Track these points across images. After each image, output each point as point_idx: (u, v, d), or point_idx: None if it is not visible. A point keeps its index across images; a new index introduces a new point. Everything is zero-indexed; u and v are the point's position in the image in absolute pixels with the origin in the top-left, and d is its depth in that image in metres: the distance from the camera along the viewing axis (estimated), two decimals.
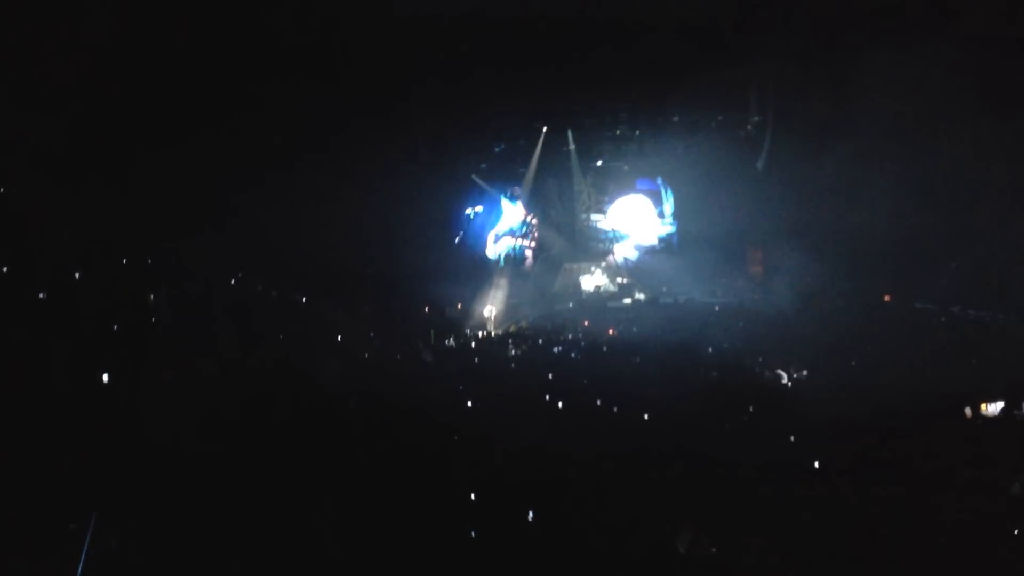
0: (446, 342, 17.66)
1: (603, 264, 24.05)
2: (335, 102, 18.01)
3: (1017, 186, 16.57)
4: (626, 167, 24.11)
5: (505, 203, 23.98)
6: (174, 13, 15.55)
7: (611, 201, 24.40)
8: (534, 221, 24.06)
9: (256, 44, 16.47)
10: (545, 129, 23.05)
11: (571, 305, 22.60)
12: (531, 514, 7.50)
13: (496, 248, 23.91)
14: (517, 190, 23.89)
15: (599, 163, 24.15)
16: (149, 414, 7.71)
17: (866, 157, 18.32)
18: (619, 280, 23.77)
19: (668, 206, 23.89)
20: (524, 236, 23.98)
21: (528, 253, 24.00)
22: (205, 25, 15.87)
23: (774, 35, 17.40)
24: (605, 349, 17.43)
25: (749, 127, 21.90)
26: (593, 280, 23.77)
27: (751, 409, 11.92)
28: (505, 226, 24.05)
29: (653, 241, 23.99)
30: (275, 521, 6.56)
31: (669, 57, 18.30)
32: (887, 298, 19.35)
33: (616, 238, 24.16)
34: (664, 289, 22.82)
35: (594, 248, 24.29)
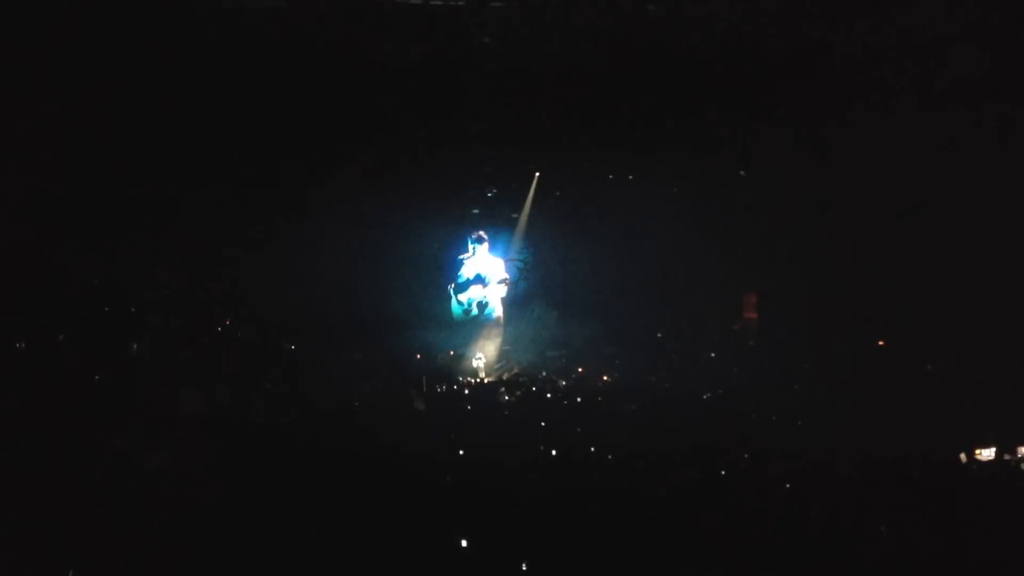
0: (438, 389, 17.59)
1: (598, 310, 23.92)
2: (323, 149, 18.07)
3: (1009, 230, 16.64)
4: (621, 211, 24.08)
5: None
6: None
7: (606, 246, 24.34)
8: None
9: (245, 84, 16.54)
10: (538, 175, 23.08)
11: (565, 351, 22.48)
12: (524, 565, 7.42)
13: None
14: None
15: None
16: (129, 467, 7.64)
17: (860, 202, 18.39)
18: (614, 326, 23.65)
19: (662, 251, 23.84)
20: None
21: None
22: (193, 69, 15.95)
23: (768, 78, 17.48)
24: (600, 399, 17.34)
25: (742, 173, 21.96)
26: (587, 326, 23.65)
27: (747, 456, 11.85)
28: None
29: (648, 287, 23.91)
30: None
31: (663, 102, 18.41)
32: (882, 343, 19.33)
33: (611, 283, 24.07)
34: (659, 335, 22.74)
35: (588, 294, 24.17)
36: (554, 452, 11.70)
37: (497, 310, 23.69)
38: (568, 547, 7.83)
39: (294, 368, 16.18)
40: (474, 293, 23.61)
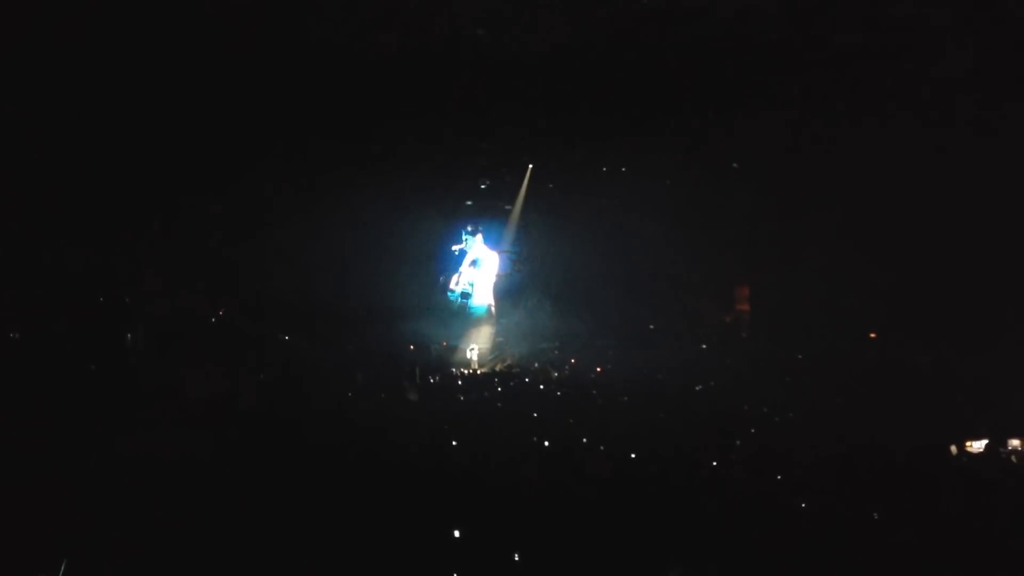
0: (431, 380, 17.61)
1: (591, 302, 23.93)
2: (318, 139, 18.03)
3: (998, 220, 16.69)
4: (613, 203, 24.06)
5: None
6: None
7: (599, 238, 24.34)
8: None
9: (238, 77, 16.48)
10: (531, 166, 23.08)
11: (558, 343, 22.52)
12: (516, 555, 7.43)
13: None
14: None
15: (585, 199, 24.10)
16: (124, 455, 7.63)
17: (852, 196, 18.43)
18: (607, 318, 23.66)
19: (655, 244, 23.85)
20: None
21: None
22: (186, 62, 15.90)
23: (761, 72, 17.48)
24: (594, 391, 17.35)
25: (735, 166, 21.96)
26: (580, 318, 23.66)
27: (738, 444, 11.92)
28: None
29: (641, 279, 23.92)
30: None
31: (656, 95, 18.40)
32: (873, 335, 19.39)
33: (604, 275, 24.08)
34: (651, 327, 22.78)
35: (581, 286, 24.17)
36: (547, 443, 11.72)
37: (490, 301, 23.74)
38: (560, 537, 7.86)
39: (288, 358, 16.19)
40: (466, 284, 23.69)
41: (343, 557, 6.97)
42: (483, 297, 23.84)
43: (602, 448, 11.65)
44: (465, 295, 23.58)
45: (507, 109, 18.77)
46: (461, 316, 22.83)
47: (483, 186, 23.42)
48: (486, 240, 23.90)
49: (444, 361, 20.40)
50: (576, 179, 23.50)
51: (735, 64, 17.15)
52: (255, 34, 15.94)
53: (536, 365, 20.85)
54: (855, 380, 16.48)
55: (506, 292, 23.76)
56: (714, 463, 10.94)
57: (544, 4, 16.01)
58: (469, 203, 23.56)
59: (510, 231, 23.90)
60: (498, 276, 23.83)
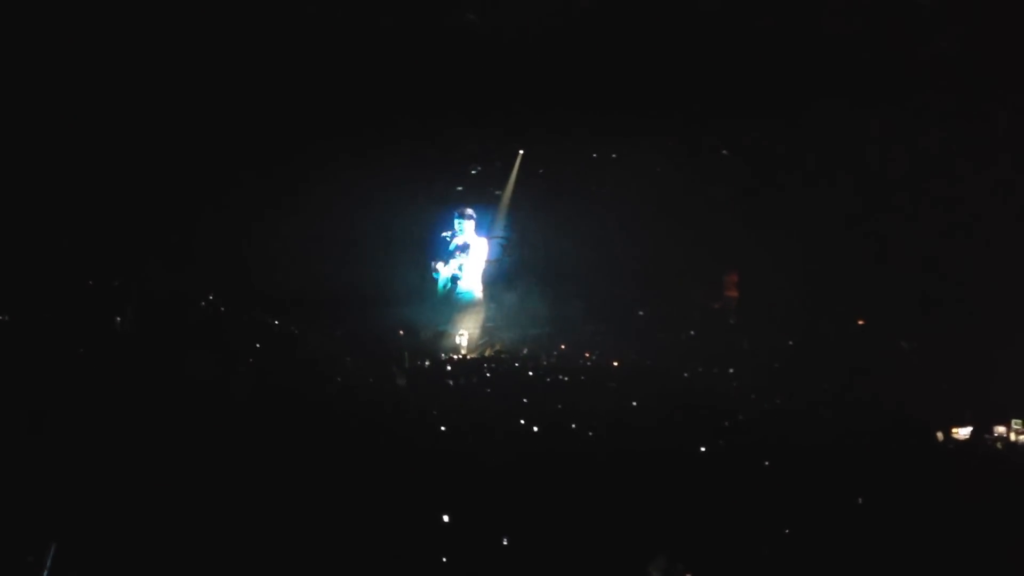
0: (420, 364, 17.62)
1: (580, 288, 23.95)
2: (308, 124, 17.97)
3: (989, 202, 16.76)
4: (604, 190, 24.06)
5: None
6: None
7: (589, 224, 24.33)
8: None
9: (227, 67, 16.40)
10: (521, 152, 23.03)
11: (548, 328, 22.55)
12: (505, 540, 7.46)
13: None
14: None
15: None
16: (114, 439, 7.63)
17: (840, 184, 18.46)
18: (596, 304, 23.69)
19: (644, 230, 23.86)
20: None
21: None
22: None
23: (753, 63, 17.47)
24: (583, 377, 17.40)
25: (725, 152, 21.97)
26: (569, 304, 23.69)
27: (726, 425, 11.99)
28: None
29: (630, 265, 23.95)
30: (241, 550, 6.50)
31: (647, 82, 18.37)
32: (861, 322, 19.45)
33: (593, 261, 24.09)
34: (641, 313, 22.81)
35: (571, 272, 24.18)
36: (536, 428, 11.75)
37: (479, 287, 23.75)
38: (549, 523, 7.89)
39: (277, 343, 16.16)
40: (455, 269, 23.70)
41: (332, 542, 6.98)
42: (472, 283, 23.84)
43: (591, 434, 11.70)
44: (455, 280, 23.58)
45: (497, 94, 18.70)
46: (450, 302, 22.84)
47: (473, 172, 23.37)
48: (476, 226, 23.88)
49: (433, 346, 20.40)
50: (566, 165, 23.46)
51: (726, 53, 17.12)
52: (246, 21, 15.86)
53: (525, 351, 20.87)
54: (842, 366, 16.55)
55: (496, 278, 23.75)
56: (702, 449, 10.99)
57: None
58: (459, 188, 23.52)
59: (500, 217, 23.88)
60: (488, 262, 23.82)
